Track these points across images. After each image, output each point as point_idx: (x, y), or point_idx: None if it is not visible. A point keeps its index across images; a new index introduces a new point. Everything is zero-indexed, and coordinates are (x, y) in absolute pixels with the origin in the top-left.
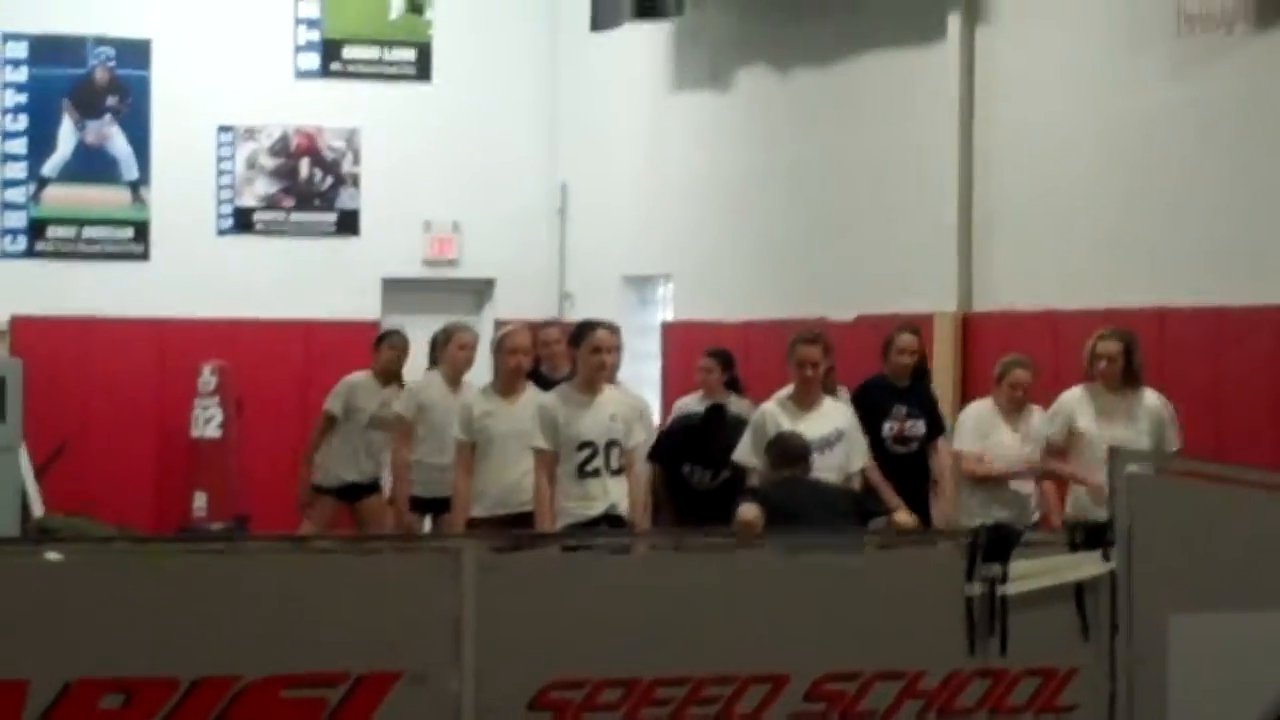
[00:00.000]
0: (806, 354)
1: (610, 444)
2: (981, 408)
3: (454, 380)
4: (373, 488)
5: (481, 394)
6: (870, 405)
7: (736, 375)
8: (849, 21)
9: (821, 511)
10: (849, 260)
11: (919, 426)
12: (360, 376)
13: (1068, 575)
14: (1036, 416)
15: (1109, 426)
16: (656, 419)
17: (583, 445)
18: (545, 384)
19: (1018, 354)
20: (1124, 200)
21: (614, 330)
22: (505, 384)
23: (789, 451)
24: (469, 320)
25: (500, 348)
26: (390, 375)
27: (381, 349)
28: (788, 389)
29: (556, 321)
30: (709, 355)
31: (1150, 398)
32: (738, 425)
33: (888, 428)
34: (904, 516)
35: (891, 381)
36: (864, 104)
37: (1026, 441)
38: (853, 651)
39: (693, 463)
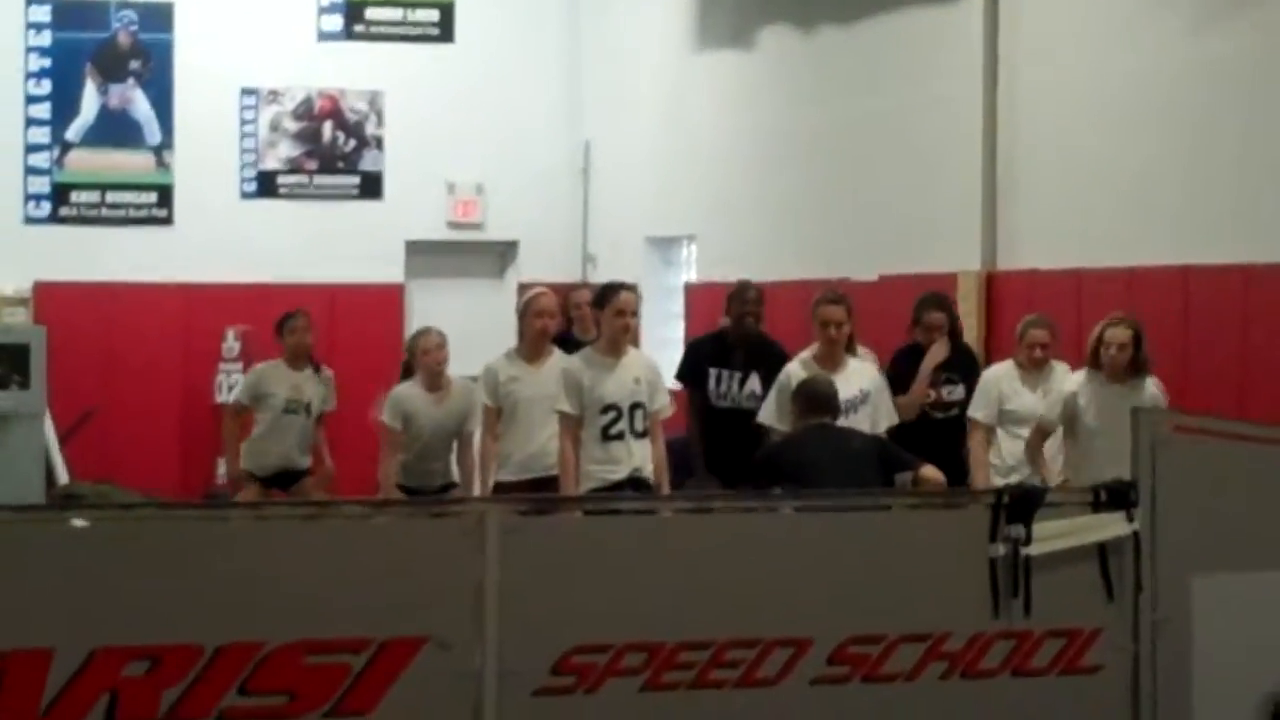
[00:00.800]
0: (829, 314)
1: (634, 406)
2: (1000, 371)
3: (432, 385)
4: (303, 473)
5: (506, 358)
6: (904, 374)
7: None
8: None
9: (845, 462)
10: (872, 220)
11: (957, 391)
12: (267, 364)
13: (1091, 536)
14: (1059, 374)
15: (1113, 419)
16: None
17: (607, 408)
18: (577, 347)
19: (1038, 314)
20: (1148, 158)
21: (636, 292)
22: (531, 348)
23: (816, 397)
24: (494, 282)
25: (526, 310)
26: (299, 358)
27: (284, 335)
28: (812, 349)
29: (587, 284)
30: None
31: (1152, 386)
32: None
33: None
34: (930, 472)
35: (926, 349)
36: (888, 63)
37: (1048, 398)
38: (876, 614)
39: (719, 367)
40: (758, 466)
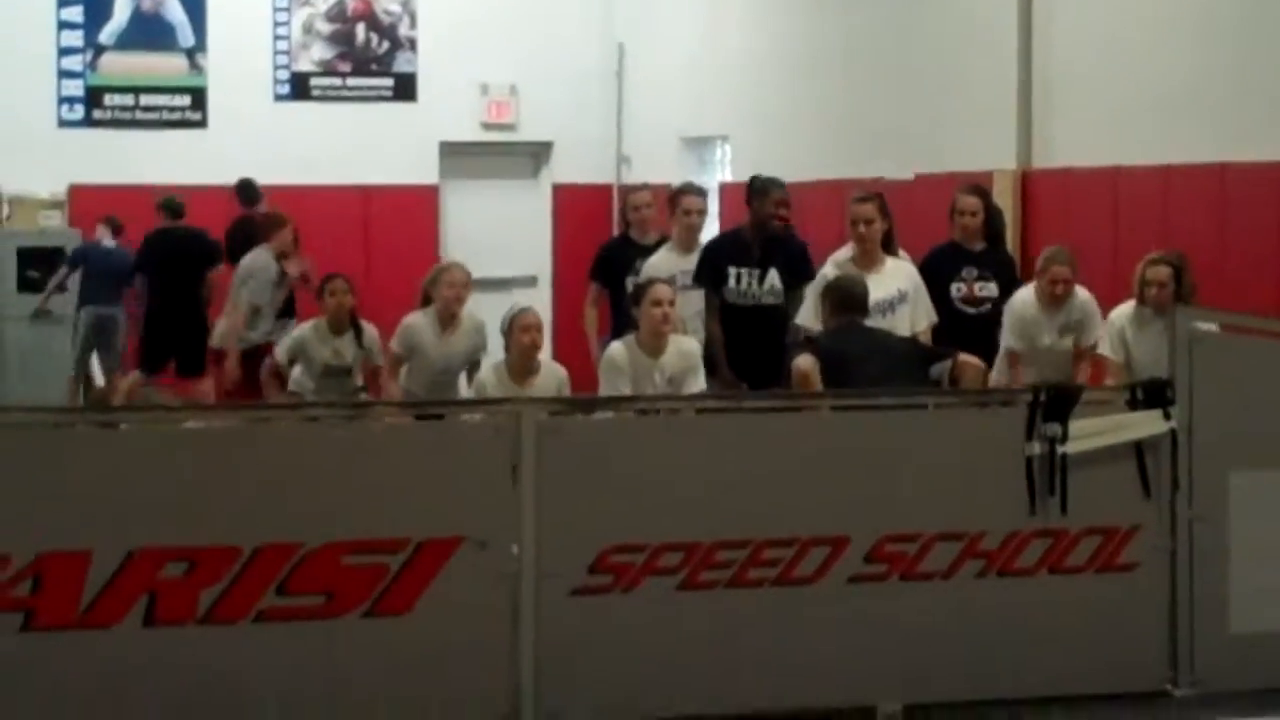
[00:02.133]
0: (859, 212)
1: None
2: (1025, 299)
3: (446, 322)
4: None
5: (494, 373)
6: (937, 269)
7: None
8: None
9: (881, 359)
10: (907, 119)
11: (990, 288)
12: (308, 326)
13: (1128, 434)
14: (1079, 304)
15: (1160, 353)
16: None
17: None
18: (635, 248)
19: (1059, 247)
20: (1185, 55)
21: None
22: (517, 364)
23: (847, 297)
24: (528, 183)
25: (511, 327)
26: (340, 322)
27: (324, 298)
28: (847, 250)
29: (647, 185)
30: None
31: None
32: None
33: (955, 289)
34: (968, 358)
35: (962, 245)
36: None
37: (1066, 333)
38: (913, 512)
39: (738, 265)
40: (797, 346)
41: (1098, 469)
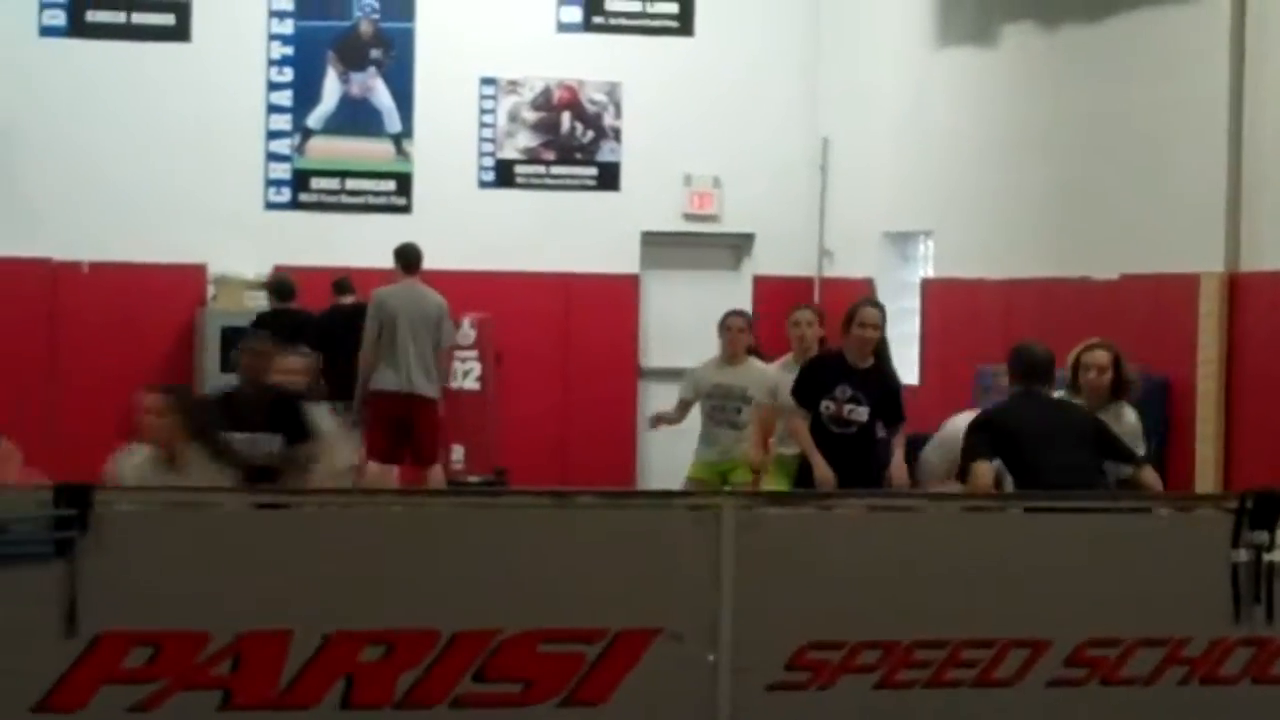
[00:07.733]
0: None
1: None
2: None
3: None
4: None
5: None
6: (815, 380)
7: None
8: None
9: (1060, 436)
10: (1113, 218)
11: (860, 412)
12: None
13: None
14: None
15: None
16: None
17: None
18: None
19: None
20: None
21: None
22: (726, 356)
23: (1032, 362)
24: (729, 274)
25: (722, 325)
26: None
27: None
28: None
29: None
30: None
31: (1129, 413)
32: None
33: (824, 406)
34: (1150, 477)
35: (847, 359)
36: (1132, 59)
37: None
38: (1115, 617)
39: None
40: (973, 433)
41: None
